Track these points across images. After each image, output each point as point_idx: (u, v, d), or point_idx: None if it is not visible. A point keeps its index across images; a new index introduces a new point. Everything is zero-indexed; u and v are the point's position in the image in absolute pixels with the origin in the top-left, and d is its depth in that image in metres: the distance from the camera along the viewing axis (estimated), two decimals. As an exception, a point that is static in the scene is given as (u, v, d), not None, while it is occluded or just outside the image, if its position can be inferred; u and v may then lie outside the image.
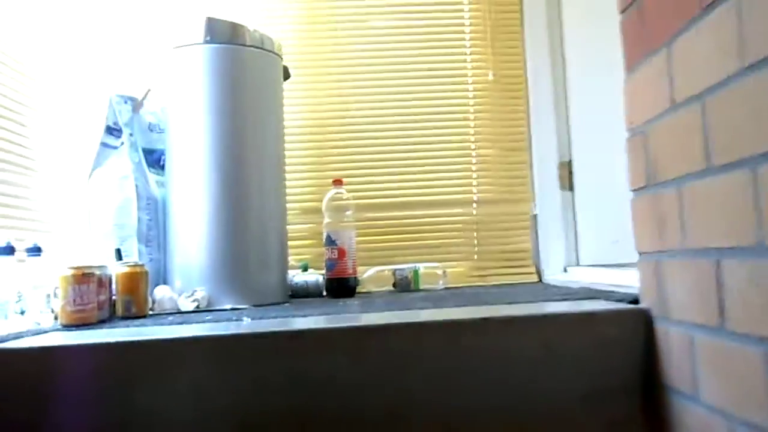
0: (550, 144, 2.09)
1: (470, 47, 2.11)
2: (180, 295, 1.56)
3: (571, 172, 2.09)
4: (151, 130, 1.80)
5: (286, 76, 1.82)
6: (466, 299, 1.54)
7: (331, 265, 1.84)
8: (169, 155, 1.68)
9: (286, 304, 1.64)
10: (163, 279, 1.67)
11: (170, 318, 1.39)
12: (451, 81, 2.10)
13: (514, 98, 2.11)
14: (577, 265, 2.07)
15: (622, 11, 1.13)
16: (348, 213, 1.88)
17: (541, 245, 2.08)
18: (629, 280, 1.45)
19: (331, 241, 1.84)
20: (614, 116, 2.11)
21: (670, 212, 0.99)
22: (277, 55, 1.75)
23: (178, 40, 1.66)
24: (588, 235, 2.07)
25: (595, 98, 2.06)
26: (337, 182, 1.89)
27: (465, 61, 2.11)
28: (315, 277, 1.92)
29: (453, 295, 1.70)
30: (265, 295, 1.65)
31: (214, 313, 1.47)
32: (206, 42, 1.63)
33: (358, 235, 1.99)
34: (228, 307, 1.54)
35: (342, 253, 1.83)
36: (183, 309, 1.53)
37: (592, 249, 2.07)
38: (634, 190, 1.14)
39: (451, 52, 2.11)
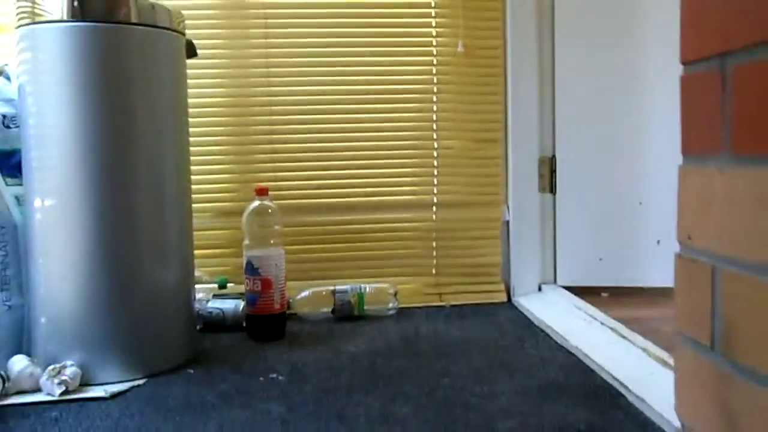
0: (530, 136, 1.70)
1: (435, 8, 1.66)
2: (45, 370, 1.16)
3: (553, 171, 1.71)
4: (7, 126, 1.33)
5: (191, 53, 1.36)
6: (427, 369, 1.18)
7: (253, 299, 1.45)
8: (26, 162, 1.23)
9: (191, 371, 1.26)
10: (27, 333, 1.26)
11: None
12: (409, 52, 1.66)
13: (489, 76, 1.69)
14: (554, 282, 1.73)
15: None
16: (276, 228, 1.47)
17: (513, 258, 1.72)
18: (642, 372, 1.12)
19: (252, 269, 1.44)
20: (611, 106, 1.72)
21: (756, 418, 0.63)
22: (177, 31, 1.28)
23: (36, 13, 1.18)
24: (569, 248, 1.72)
25: (589, 82, 1.66)
26: (262, 192, 1.47)
27: (429, 26, 1.66)
28: (233, 303, 1.53)
29: (408, 347, 1.35)
30: (163, 351, 1.27)
31: (84, 408, 1.09)
32: (72, 19, 1.16)
33: (290, 244, 1.60)
34: (105, 394, 1.15)
35: (267, 284, 1.44)
36: (47, 392, 1.14)
37: (573, 265, 1.72)
38: (680, 334, 0.77)
39: (410, 14, 1.66)
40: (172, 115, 1.30)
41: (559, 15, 1.66)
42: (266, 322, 1.46)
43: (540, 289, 1.72)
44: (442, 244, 1.71)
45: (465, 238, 1.72)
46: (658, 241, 1.68)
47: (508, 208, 1.72)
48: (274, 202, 1.59)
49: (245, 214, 1.46)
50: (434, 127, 1.68)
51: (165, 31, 1.25)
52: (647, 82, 1.66)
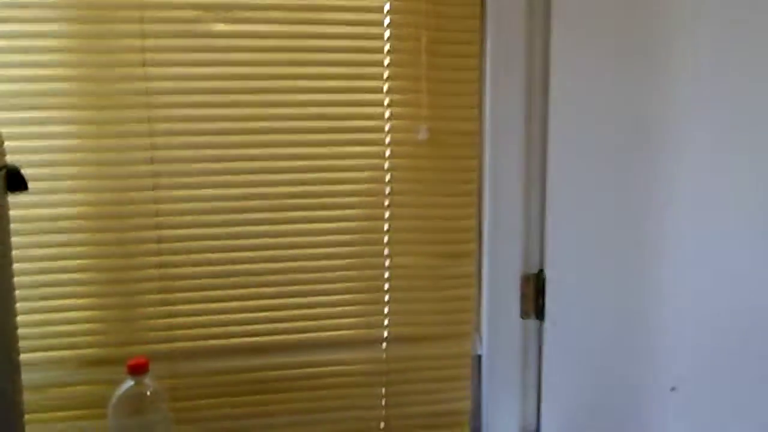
0: (511, 246, 1.28)
1: (389, 80, 1.19)
2: None
3: (541, 291, 1.30)
4: None
5: (17, 186, 0.87)
6: None
7: None
8: None
9: None
10: None
11: None
12: (352, 141, 1.20)
13: (460, 171, 1.25)
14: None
15: None
16: (160, 421, 1.02)
17: (486, 403, 1.32)
18: None
19: (124, 483, 0.99)
20: (621, 213, 1.30)
21: None
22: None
23: None
24: (558, 390, 1.32)
25: (592, 179, 1.24)
26: (137, 369, 1.01)
27: (380, 105, 1.20)
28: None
29: None
30: None
31: None
32: None
33: (185, 399, 1.17)
34: None
35: (146, 503, 0.99)
36: None
37: (563, 412, 1.33)
38: None
39: (353, 88, 1.19)
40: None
41: (555, 89, 1.22)
42: None
43: (519, 440, 1.33)
44: (395, 390, 1.29)
45: (424, 380, 1.30)
46: (673, 388, 1.29)
47: (480, 338, 1.31)
48: (164, 345, 1.15)
49: (110, 405, 1.00)
50: (386, 239, 1.24)
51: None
52: (669, 185, 1.25)
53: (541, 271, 1.30)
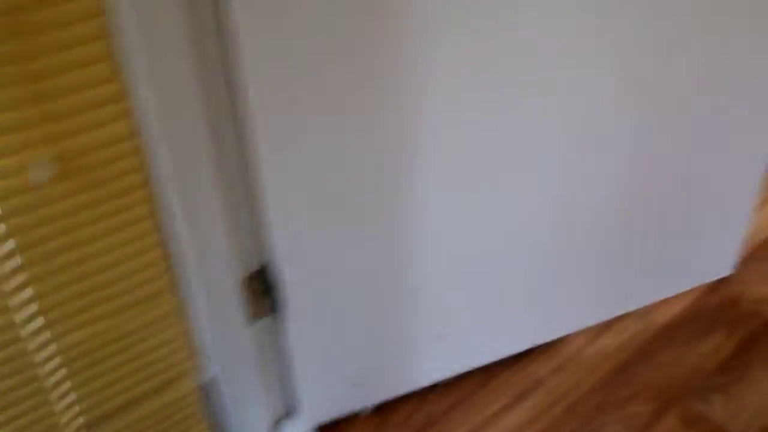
0: (218, 252, 0.91)
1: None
2: None
3: (270, 286, 0.98)
4: None
5: None
6: None
7: None
8: None
9: None
10: None
11: None
12: None
13: (122, 196, 0.78)
14: (296, 416, 1.13)
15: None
16: None
17: (230, 420, 1.05)
18: None
19: None
20: (361, 155, 0.90)
21: None
22: None
23: None
24: (313, 375, 1.10)
25: (310, 140, 0.89)
26: None
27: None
28: None
29: None
30: None
31: None
32: None
33: None
34: None
35: None
36: None
37: (322, 394, 1.12)
38: None
39: None
40: None
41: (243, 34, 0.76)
42: None
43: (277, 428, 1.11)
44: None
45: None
46: (439, 338, 1.13)
47: (208, 363, 0.98)
48: None
49: None
50: (35, 326, 0.78)
51: None
52: (416, 98, 0.93)
53: (268, 263, 0.96)
